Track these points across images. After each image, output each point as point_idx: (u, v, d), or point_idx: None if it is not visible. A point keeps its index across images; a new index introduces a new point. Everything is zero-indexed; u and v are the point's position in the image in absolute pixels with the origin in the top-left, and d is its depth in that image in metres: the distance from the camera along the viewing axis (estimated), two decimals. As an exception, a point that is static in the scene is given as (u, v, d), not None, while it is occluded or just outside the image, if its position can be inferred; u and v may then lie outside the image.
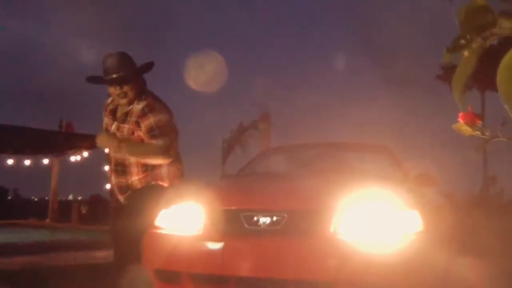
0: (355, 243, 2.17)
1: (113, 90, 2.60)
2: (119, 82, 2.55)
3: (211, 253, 2.29)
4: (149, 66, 2.69)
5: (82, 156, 13.00)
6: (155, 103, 2.63)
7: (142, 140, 2.61)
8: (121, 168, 2.67)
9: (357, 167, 3.76)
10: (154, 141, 2.55)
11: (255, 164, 3.96)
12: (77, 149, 12.76)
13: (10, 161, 13.18)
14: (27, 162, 13.48)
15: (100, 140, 2.66)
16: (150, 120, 2.56)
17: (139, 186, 2.66)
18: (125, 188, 2.67)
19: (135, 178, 2.65)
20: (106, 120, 2.77)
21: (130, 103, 2.63)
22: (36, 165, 13.60)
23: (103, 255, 5.48)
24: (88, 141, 11.89)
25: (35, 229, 11.71)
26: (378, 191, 2.49)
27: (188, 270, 2.34)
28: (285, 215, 2.30)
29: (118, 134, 2.65)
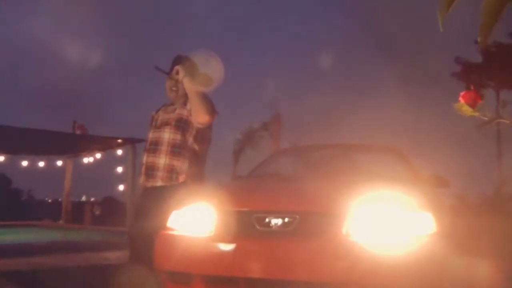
0: (367, 245, 2.16)
1: (169, 83, 2.89)
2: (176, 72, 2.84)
3: (223, 255, 2.30)
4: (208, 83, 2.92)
5: (95, 157, 13.11)
6: None
7: (180, 119, 2.81)
8: (153, 147, 2.79)
9: (368, 168, 3.74)
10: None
11: (266, 165, 3.96)
12: (90, 150, 12.88)
13: (24, 163, 13.35)
14: (41, 164, 13.64)
15: (180, 71, 2.80)
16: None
17: (161, 174, 2.72)
18: (151, 169, 2.76)
19: (162, 158, 2.75)
20: (153, 113, 2.99)
21: (180, 99, 2.88)
22: (50, 167, 13.76)
23: (116, 256, 5.52)
24: (100, 143, 12.01)
25: (49, 230, 11.84)
26: (390, 192, 2.48)
27: (200, 271, 2.35)
28: (297, 217, 2.30)
29: (161, 114, 2.89)
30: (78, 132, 11.40)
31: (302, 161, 4.10)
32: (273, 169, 3.90)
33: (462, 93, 0.93)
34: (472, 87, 0.92)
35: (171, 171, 2.73)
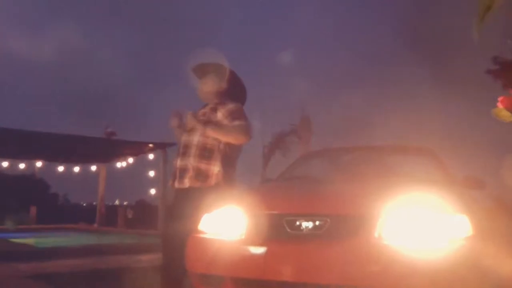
0: (400, 249, 2.11)
1: (199, 85, 3.00)
2: (201, 73, 2.99)
3: (254, 258, 2.30)
4: (239, 88, 3.03)
5: (127, 162, 13.39)
6: (236, 101, 2.92)
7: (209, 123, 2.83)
8: (184, 150, 2.86)
9: (401, 170, 3.67)
10: (236, 122, 2.78)
11: (295, 168, 3.94)
12: (122, 155, 13.16)
13: (60, 168, 13.78)
14: (76, 169, 14.04)
15: (189, 119, 2.88)
16: (230, 106, 2.84)
17: (189, 176, 2.77)
18: (181, 171, 2.81)
19: (190, 161, 2.79)
20: (183, 135, 3.01)
21: (205, 98, 2.98)
22: (85, 172, 14.15)
23: (148, 258, 5.61)
24: (132, 148, 12.26)
25: (84, 233, 12.16)
26: (423, 194, 2.42)
27: (231, 274, 2.36)
28: (328, 220, 2.28)
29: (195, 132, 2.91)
30: (109, 137, 11.68)
31: (333, 164, 4.06)
32: (303, 171, 3.87)
33: (500, 98, 0.90)
34: (511, 92, 0.88)
35: (199, 173, 2.76)
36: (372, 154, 3.91)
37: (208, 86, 2.98)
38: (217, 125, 2.80)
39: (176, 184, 2.82)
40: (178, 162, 2.86)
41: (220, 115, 2.83)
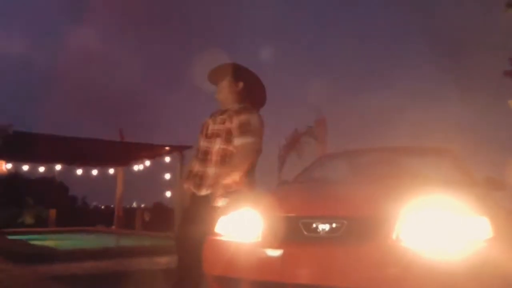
0: (418, 252, 2.07)
1: (216, 92, 2.98)
2: (214, 79, 2.96)
3: (270, 260, 2.29)
4: (255, 90, 2.99)
5: (144, 165, 13.51)
6: (252, 108, 2.89)
7: (229, 131, 2.79)
8: (203, 157, 2.84)
9: (419, 171, 3.61)
10: (240, 139, 2.75)
11: (312, 170, 3.92)
12: (139, 158, 13.28)
13: (79, 171, 13.98)
14: (95, 172, 14.22)
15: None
16: (243, 117, 2.80)
17: (209, 183, 2.75)
18: (200, 178, 2.80)
19: (211, 168, 2.78)
20: (207, 119, 3.02)
21: (224, 101, 2.95)
22: (103, 175, 14.32)
23: (166, 260, 5.64)
24: (149, 151, 12.36)
25: (103, 235, 12.31)
26: (443, 196, 2.38)
27: (247, 277, 2.35)
28: (345, 222, 2.25)
29: (211, 124, 2.91)
30: (123, 140, 11.81)
31: (349, 165, 4.03)
32: (319, 173, 3.85)
33: None
34: None
35: (218, 181, 2.75)
36: (390, 155, 3.86)
37: (225, 92, 2.94)
38: (229, 173, 2.72)
39: (195, 190, 2.81)
40: (196, 167, 2.85)
41: (234, 125, 2.79)
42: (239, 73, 2.94)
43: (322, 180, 3.60)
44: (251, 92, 2.97)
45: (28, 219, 14.19)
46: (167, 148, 11.88)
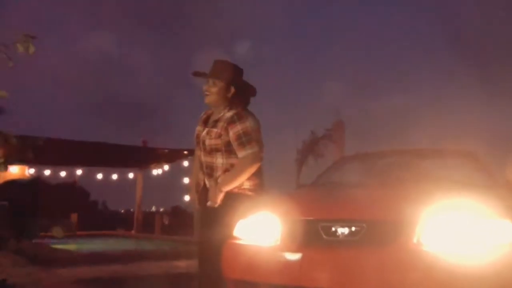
0: (440, 255, 2.04)
1: (204, 87, 2.86)
2: (206, 75, 2.84)
3: (289, 264, 2.28)
4: (245, 86, 2.89)
5: (163, 169, 13.63)
6: (243, 112, 2.80)
7: (229, 143, 2.74)
8: (209, 171, 2.82)
9: (440, 174, 3.56)
10: (241, 152, 2.71)
11: (330, 173, 3.90)
12: (158, 162, 13.40)
13: (99, 176, 14.18)
14: (114, 177, 14.40)
15: (211, 198, 2.76)
16: (238, 127, 2.72)
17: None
18: (207, 191, 2.79)
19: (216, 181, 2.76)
20: (198, 128, 2.95)
21: (214, 105, 2.85)
22: (122, 179, 14.49)
23: (185, 264, 5.68)
24: (168, 155, 12.47)
25: (123, 239, 12.44)
26: (465, 199, 2.34)
27: (266, 281, 2.35)
28: (364, 225, 2.23)
29: (207, 139, 2.81)
30: (145, 145, 11.94)
31: (368, 168, 3.98)
32: (338, 176, 3.82)
33: None
34: None
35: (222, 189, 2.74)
36: (410, 158, 3.82)
37: (215, 97, 2.82)
38: (225, 180, 2.71)
39: (206, 203, 2.79)
40: (204, 181, 2.84)
41: (230, 138, 2.73)
42: (233, 77, 2.83)
43: (341, 183, 3.57)
44: (242, 92, 2.88)
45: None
46: (185, 152, 11.96)
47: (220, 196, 2.70)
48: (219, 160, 2.77)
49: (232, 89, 2.82)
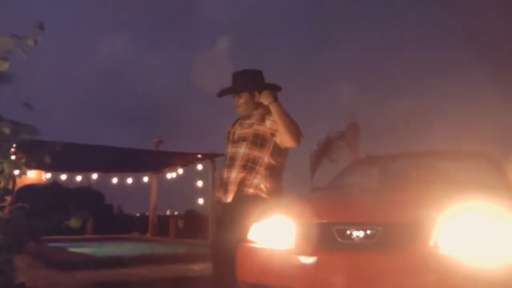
0: (457, 259, 2.02)
1: (233, 101, 2.97)
2: (232, 91, 2.96)
3: (304, 268, 2.27)
4: (264, 85, 2.93)
5: (177, 173, 13.70)
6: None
7: (256, 135, 2.83)
8: (230, 162, 2.87)
9: (455, 176, 3.52)
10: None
11: (345, 176, 3.88)
12: (172, 166, 13.46)
13: (114, 180, 14.31)
14: (129, 180, 14.52)
15: (264, 93, 2.84)
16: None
17: (232, 188, 2.78)
18: (227, 183, 2.83)
19: (234, 173, 2.80)
20: (229, 129, 3.04)
21: (245, 113, 2.94)
22: (137, 183, 14.60)
23: (200, 268, 5.69)
24: (182, 159, 12.53)
25: (138, 243, 12.51)
26: (482, 201, 2.31)
27: (281, 284, 2.34)
28: (380, 228, 2.22)
29: (238, 129, 2.92)
30: (158, 147, 12.02)
31: (383, 171, 3.95)
32: (352, 179, 3.80)
33: None
34: None
35: (241, 184, 2.77)
36: (425, 160, 3.78)
37: (243, 107, 2.94)
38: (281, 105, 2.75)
39: (224, 197, 2.83)
40: (225, 174, 2.88)
41: (268, 123, 2.81)
42: (254, 85, 2.93)
43: (356, 186, 3.55)
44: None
45: (74, 223, 14.50)
46: (199, 156, 12.02)
47: (269, 98, 2.75)
48: (242, 150, 2.83)
49: (257, 94, 2.91)
